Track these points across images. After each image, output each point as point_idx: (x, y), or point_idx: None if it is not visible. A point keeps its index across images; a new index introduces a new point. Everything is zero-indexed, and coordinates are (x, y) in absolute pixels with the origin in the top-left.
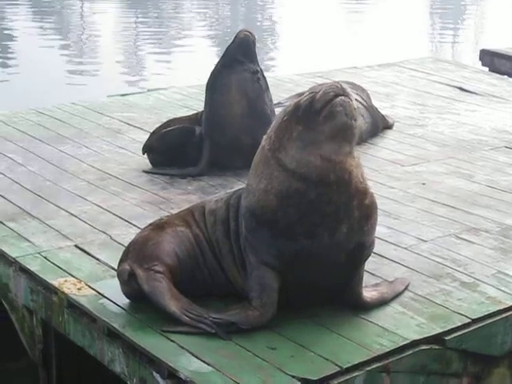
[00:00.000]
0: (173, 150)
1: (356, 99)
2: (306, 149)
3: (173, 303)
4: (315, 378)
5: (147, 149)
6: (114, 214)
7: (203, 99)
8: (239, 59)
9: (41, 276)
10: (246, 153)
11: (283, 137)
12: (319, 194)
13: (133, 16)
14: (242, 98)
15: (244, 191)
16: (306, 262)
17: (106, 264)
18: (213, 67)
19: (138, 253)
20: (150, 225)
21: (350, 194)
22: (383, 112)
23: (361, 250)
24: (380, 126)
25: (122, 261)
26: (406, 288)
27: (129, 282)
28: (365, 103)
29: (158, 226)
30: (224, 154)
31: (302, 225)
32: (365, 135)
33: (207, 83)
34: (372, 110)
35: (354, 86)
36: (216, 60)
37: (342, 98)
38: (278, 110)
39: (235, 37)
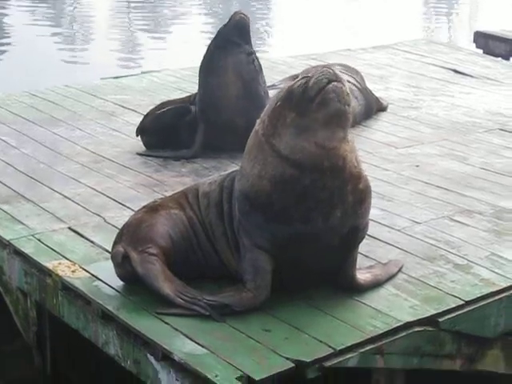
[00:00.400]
0: (166, 132)
1: (349, 81)
2: (300, 135)
3: (167, 285)
4: (309, 360)
5: (141, 131)
6: (107, 197)
7: (197, 81)
8: (235, 41)
9: (35, 258)
10: (240, 134)
11: (277, 122)
12: (313, 180)
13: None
14: (238, 80)
15: (238, 174)
16: (300, 246)
17: (100, 246)
18: (204, 50)
19: (131, 235)
20: (144, 207)
21: (344, 180)
22: (377, 94)
23: (355, 233)
24: (374, 108)
25: (115, 243)
26: (399, 270)
27: (123, 265)
28: (358, 85)
29: (152, 209)
30: (218, 135)
31: (296, 210)
32: (358, 117)
33: (201, 65)
34: (366, 92)
35: (347, 68)
36: (206, 40)
37: (335, 83)
38: (271, 93)
39: (230, 18)
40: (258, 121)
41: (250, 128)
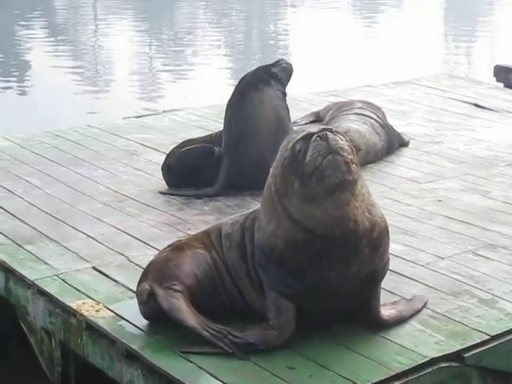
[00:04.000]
0: (191, 170)
1: (372, 117)
2: (308, 203)
3: (192, 318)
4: None
5: (165, 169)
6: (130, 236)
7: (217, 120)
8: (278, 78)
9: (59, 298)
10: (266, 172)
11: (287, 183)
12: (326, 243)
13: (147, 36)
14: (273, 114)
15: (257, 220)
16: (318, 295)
17: (124, 285)
18: (225, 89)
19: (157, 273)
20: (169, 246)
21: (357, 238)
22: (399, 130)
23: (374, 276)
24: (396, 143)
25: (141, 281)
26: (424, 306)
27: (148, 302)
28: (380, 121)
29: (178, 248)
30: (243, 172)
31: (311, 268)
32: (380, 153)
33: (231, 99)
34: (387, 128)
35: (369, 104)
36: (230, 82)
37: (330, 158)
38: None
39: (276, 62)
40: (270, 172)
41: None
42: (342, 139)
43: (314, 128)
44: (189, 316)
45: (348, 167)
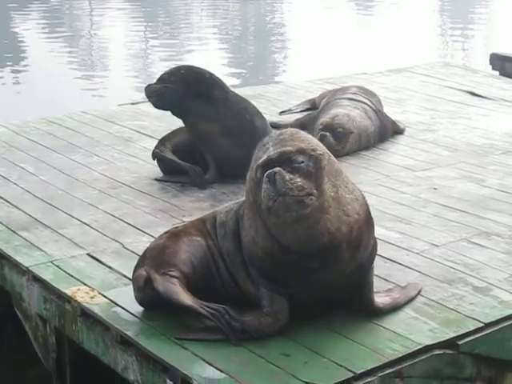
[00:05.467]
0: (182, 158)
1: (365, 103)
2: (278, 225)
3: (188, 299)
4: None
5: (155, 158)
6: (125, 223)
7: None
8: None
9: (54, 285)
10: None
11: (259, 200)
12: (303, 258)
13: (142, 23)
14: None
15: (242, 218)
16: (305, 294)
17: (119, 272)
18: (222, 75)
19: (154, 259)
20: (166, 232)
21: (335, 247)
22: (394, 117)
23: (360, 268)
24: (390, 130)
25: (137, 267)
26: (418, 293)
27: (144, 288)
28: (373, 106)
29: (174, 234)
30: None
31: (290, 277)
32: (373, 137)
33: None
34: (381, 114)
35: (364, 90)
36: (226, 67)
37: (280, 200)
38: (289, 117)
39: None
40: (248, 175)
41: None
42: (291, 178)
43: (274, 153)
44: (185, 297)
45: (301, 204)
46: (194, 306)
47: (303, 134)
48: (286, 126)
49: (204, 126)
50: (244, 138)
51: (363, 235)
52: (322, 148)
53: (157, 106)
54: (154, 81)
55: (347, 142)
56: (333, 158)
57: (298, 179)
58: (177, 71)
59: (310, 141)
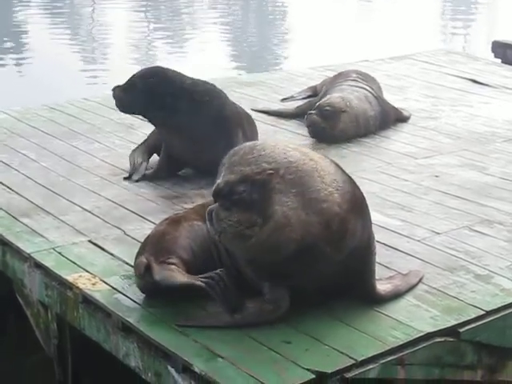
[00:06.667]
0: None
1: (365, 88)
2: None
3: (183, 278)
4: (330, 371)
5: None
6: (127, 209)
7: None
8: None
9: (55, 271)
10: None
11: None
12: (279, 266)
13: (144, 10)
14: None
15: None
16: (305, 283)
17: (120, 259)
18: (224, 63)
19: (154, 246)
20: (167, 219)
21: (308, 248)
22: (396, 105)
23: (355, 252)
24: (391, 117)
25: (139, 254)
26: (419, 280)
27: (144, 276)
28: (374, 92)
29: (175, 221)
30: None
31: (278, 279)
32: (372, 121)
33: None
34: (381, 100)
35: (364, 76)
36: (226, 55)
37: (221, 237)
38: (291, 104)
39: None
40: None
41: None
42: (226, 216)
43: (219, 183)
44: (180, 277)
45: (241, 238)
46: (188, 281)
47: (258, 150)
48: (287, 112)
49: (171, 133)
50: (216, 140)
51: (348, 224)
52: (276, 163)
53: (122, 111)
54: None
55: (339, 121)
56: (296, 165)
57: (235, 214)
58: (147, 76)
59: (262, 160)
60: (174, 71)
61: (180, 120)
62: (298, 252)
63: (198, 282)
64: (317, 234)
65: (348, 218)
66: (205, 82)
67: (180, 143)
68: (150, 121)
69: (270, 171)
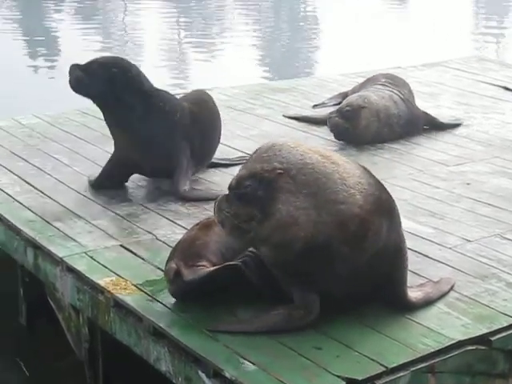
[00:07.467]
0: None
1: (391, 91)
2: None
3: (212, 268)
4: (361, 378)
5: None
6: (159, 214)
7: (247, 100)
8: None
9: (87, 275)
10: None
11: None
12: (293, 266)
13: (175, 15)
14: None
15: None
16: (331, 287)
17: (152, 263)
18: (254, 69)
19: (184, 251)
20: (198, 224)
21: (320, 247)
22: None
23: (382, 252)
24: (420, 121)
25: (169, 259)
26: (451, 288)
27: (175, 281)
28: (401, 95)
29: (205, 226)
30: None
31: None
32: (396, 120)
33: None
34: (409, 103)
35: (393, 78)
36: (257, 61)
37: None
38: (322, 110)
39: None
40: None
41: None
42: (226, 207)
43: (235, 176)
44: (209, 269)
45: (238, 230)
46: (219, 268)
47: (274, 150)
48: (319, 119)
49: (118, 127)
50: (161, 146)
51: (370, 225)
52: (289, 164)
53: (75, 90)
54: (188, 72)
55: (360, 119)
56: (312, 167)
57: (235, 207)
58: (110, 65)
59: (275, 159)
60: (136, 68)
61: (130, 117)
62: (308, 250)
63: (233, 262)
64: (330, 234)
65: (370, 220)
66: (164, 91)
67: (125, 141)
68: (100, 108)
69: (280, 171)
